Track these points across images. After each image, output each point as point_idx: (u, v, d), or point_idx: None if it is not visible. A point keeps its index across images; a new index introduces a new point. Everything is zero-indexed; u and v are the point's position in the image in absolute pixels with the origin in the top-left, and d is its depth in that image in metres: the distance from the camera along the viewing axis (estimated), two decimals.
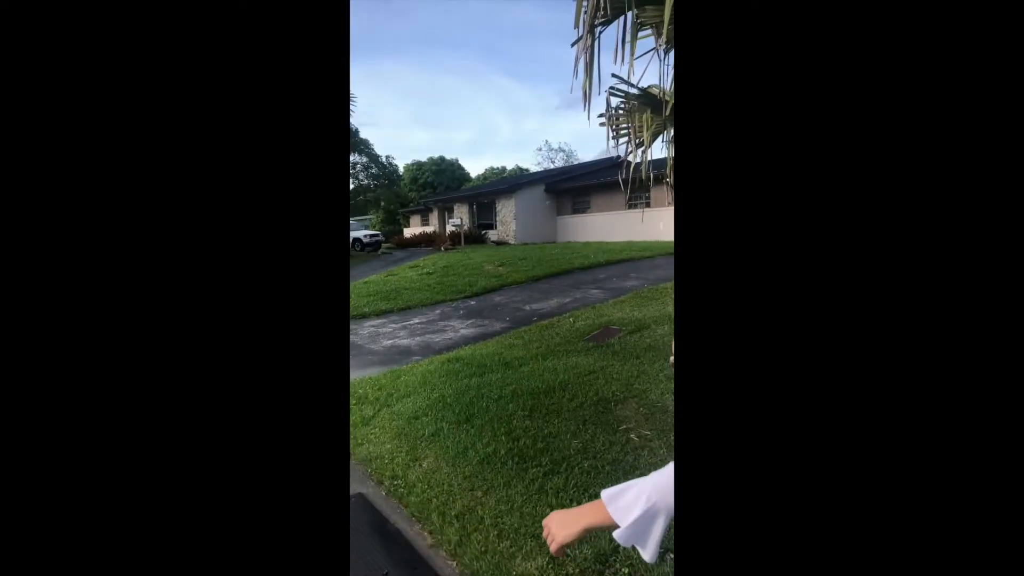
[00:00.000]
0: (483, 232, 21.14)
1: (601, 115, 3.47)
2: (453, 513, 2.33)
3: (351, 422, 3.44)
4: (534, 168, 39.66)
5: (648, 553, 0.77)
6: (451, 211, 24.18)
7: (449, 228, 22.26)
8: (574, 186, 19.44)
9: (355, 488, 2.70)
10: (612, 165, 21.60)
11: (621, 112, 3.48)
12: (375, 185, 22.09)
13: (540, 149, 65.22)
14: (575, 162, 37.99)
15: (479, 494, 2.46)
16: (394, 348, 5.79)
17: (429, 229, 25.36)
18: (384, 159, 21.84)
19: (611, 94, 3.31)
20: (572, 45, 2.91)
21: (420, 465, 2.80)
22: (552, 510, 1.34)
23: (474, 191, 24.44)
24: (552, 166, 38.86)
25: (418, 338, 6.20)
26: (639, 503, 0.77)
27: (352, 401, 3.81)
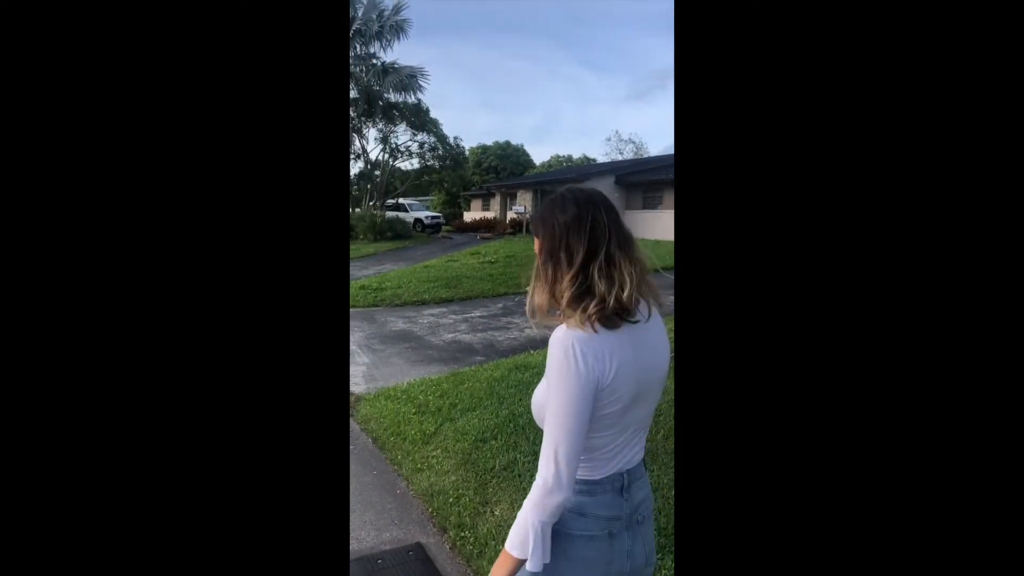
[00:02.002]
0: None
1: None
2: None
3: (410, 437, 2.96)
4: (601, 158, 38.53)
5: (535, 562, 0.82)
6: (514, 197, 23.68)
7: (511, 215, 21.80)
8: (646, 180, 18.44)
9: (413, 532, 2.20)
10: None
11: None
12: (440, 166, 21.76)
13: (609, 139, 63.47)
14: (645, 155, 36.60)
15: None
16: (455, 344, 5.33)
17: (490, 215, 24.99)
18: (452, 140, 21.42)
19: None
20: None
21: (492, 512, 2.27)
22: None
23: (539, 178, 23.80)
24: (620, 157, 37.61)
25: (480, 334, 5.72)
26: (527, 533, 0.82)
27: (411, 409, 3.35)
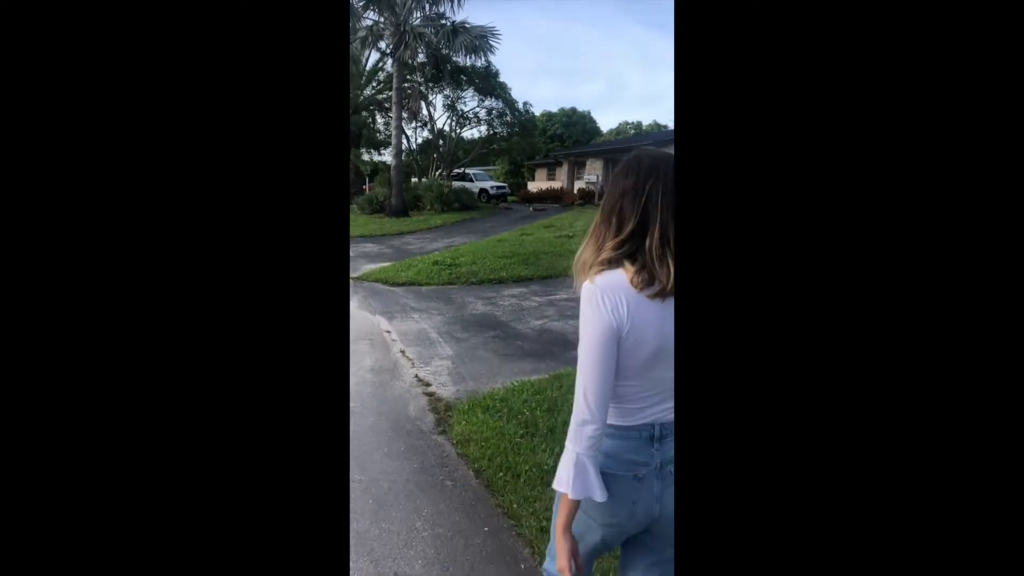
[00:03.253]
0: None
1: None
2: None
3: (524, 473, 2.32)
4: (673, 124, 36.20)
5: (597, 494, 0.88)
6: (582, 166, 22.54)
7: (580, 184, 20.73)
8: None
9: None
10: None
11: None
12: (508, 133, 20.79)
13: None
14: None
15: None
16: (547, 334, 4.66)
17: (557, 184, 23.98)
18: (522, 106, 20.33)
19: None
20: None
21: None
22: None
23: (609, 146, 22.45)
24: None
25: (571, 322, 5.01)
26: (568, 466, 0.88)
27: (517, 428, 2.71)
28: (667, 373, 0.89)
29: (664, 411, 0.93)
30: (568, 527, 0.92)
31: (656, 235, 0.84)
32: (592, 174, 20.33)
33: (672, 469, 0.94)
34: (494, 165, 29.64)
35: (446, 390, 3.36)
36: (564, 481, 0.87)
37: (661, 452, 0.94)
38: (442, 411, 3.03)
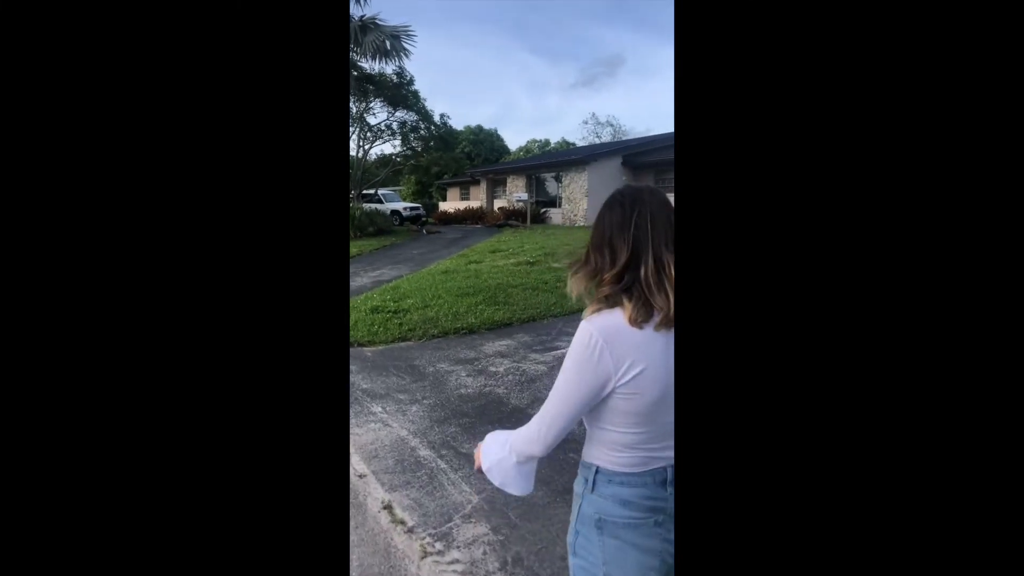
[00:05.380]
0: (543, 211, 18.19)
1: None
2: None
3: None
4: (579, 142, 36.44)
5: (516, 489, 0.98)
6: (501, 184, 21.26)
7: (501, 203, 19.39)
8: (658, 160, 16.39)
9: None
10: None
11: None
12: (423, 149, 18.82)
13: (586, 122, 60.87)
14: (623, 136, 34.80)
15: None
16: None
17: (475, 204, 22.49)
18: (439, 118, 18.48)
19: None
20: None
21: None
22: None
23: (534, 162, 21.38)
24: (598, 140, 35.68)
25: None
26: (506, 468, 0.97)
27: None
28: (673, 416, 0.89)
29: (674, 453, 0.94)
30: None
31: (650, 264, 0.84)
32: (515, 192, 19.07)
33: None
34: (400, 185, 27.60)
35: None
36: (496, 472, 0.97)
37: (675, 494, 0.91)
38: None
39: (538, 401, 3.39)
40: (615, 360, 0.81)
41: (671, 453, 0.89)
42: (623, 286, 0.84)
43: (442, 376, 3.90)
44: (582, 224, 16.50)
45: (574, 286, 0.90)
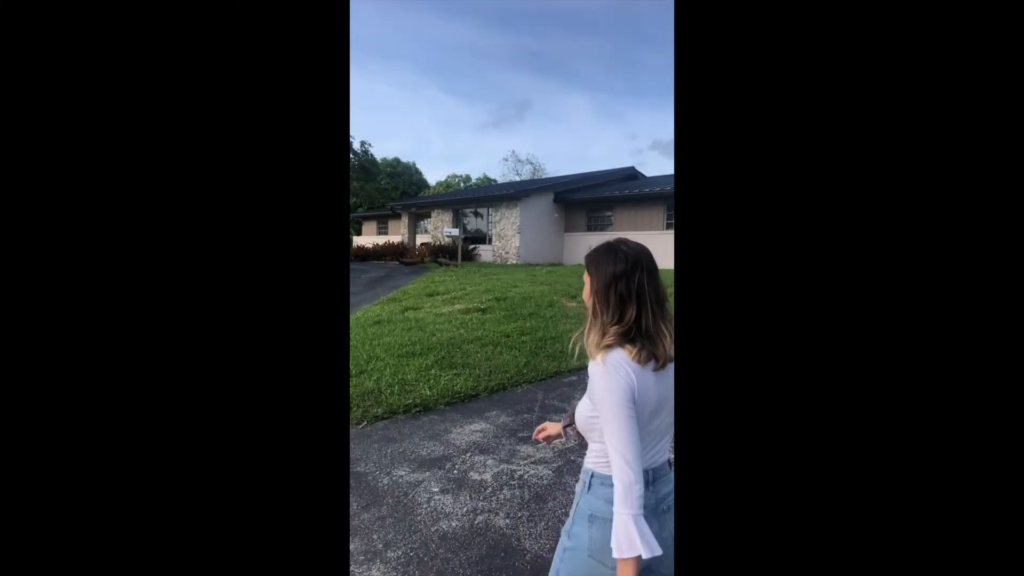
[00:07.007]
0: (472, 248, 17.23)
1: None
2: None
3: None
4: (500, 178, 36.21)
5: (659, 548, 0.92)
6: (427, 218, 20.09)
7: (425, 239, 18.18)
8: (590, 197, 16.12)
9: None
10: (628, 177, 18.60)
11: None
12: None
13: (506, 159, 61.36)
14: (543, 174, 35.11)
15: None
16: None
17: (395, 239, 21.06)
18: (360, 145, 17.00)
19: None
20: None
21: None
22: None
23: (462, 196, 20.46)
24: (519, 178, 35.71)
25: None
26: (630, 530, 0.90)
27: None
28: (663, 420, 1.02)
29: (657, 456, 1.04)
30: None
31: (650, 316, 0.97)
32: (442, 227, 17.96)
33: (665, 507, 1.04)
34: None
35: None
36: (630, 545, 0.88)
37: (655, 493, 1.03)
38: None
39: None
40: (629, 376, 0.95)
41: (654, 453, 1.03)
42: (627, 337, 0.97)
43: (405, 493, 2.69)
44: (515, 262, 15.68)
45: (591, 340, 1.00)
